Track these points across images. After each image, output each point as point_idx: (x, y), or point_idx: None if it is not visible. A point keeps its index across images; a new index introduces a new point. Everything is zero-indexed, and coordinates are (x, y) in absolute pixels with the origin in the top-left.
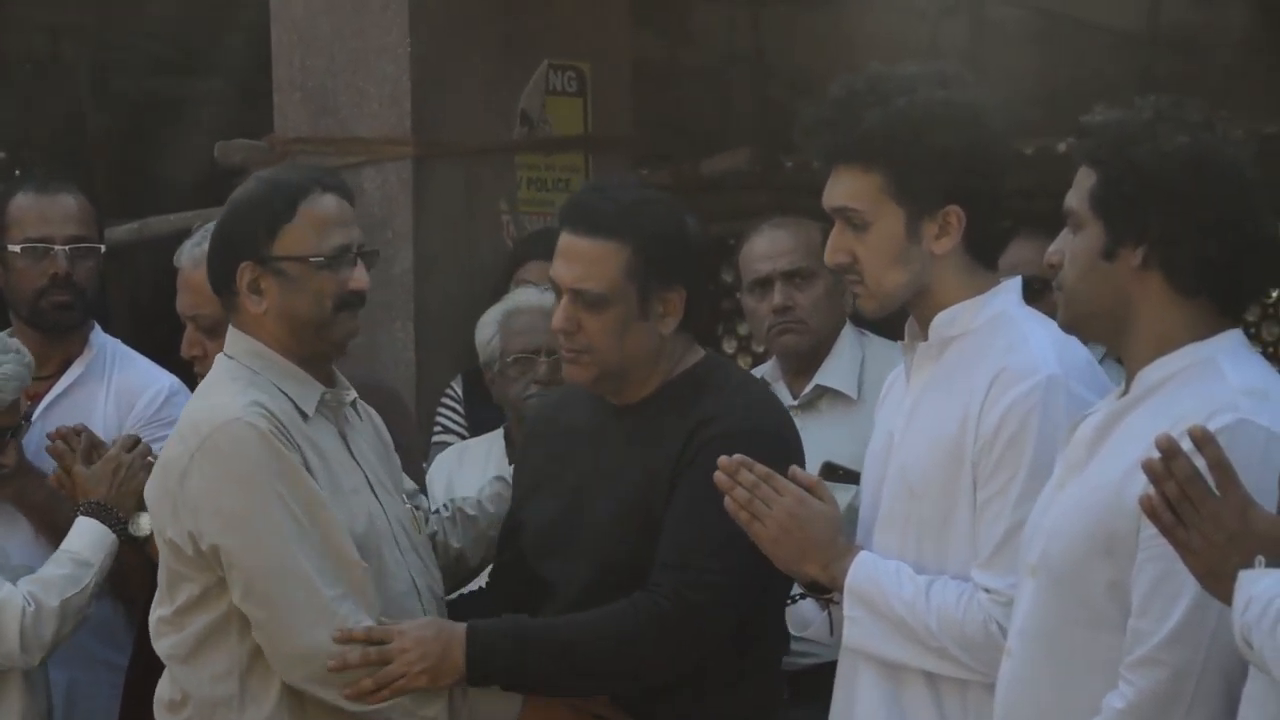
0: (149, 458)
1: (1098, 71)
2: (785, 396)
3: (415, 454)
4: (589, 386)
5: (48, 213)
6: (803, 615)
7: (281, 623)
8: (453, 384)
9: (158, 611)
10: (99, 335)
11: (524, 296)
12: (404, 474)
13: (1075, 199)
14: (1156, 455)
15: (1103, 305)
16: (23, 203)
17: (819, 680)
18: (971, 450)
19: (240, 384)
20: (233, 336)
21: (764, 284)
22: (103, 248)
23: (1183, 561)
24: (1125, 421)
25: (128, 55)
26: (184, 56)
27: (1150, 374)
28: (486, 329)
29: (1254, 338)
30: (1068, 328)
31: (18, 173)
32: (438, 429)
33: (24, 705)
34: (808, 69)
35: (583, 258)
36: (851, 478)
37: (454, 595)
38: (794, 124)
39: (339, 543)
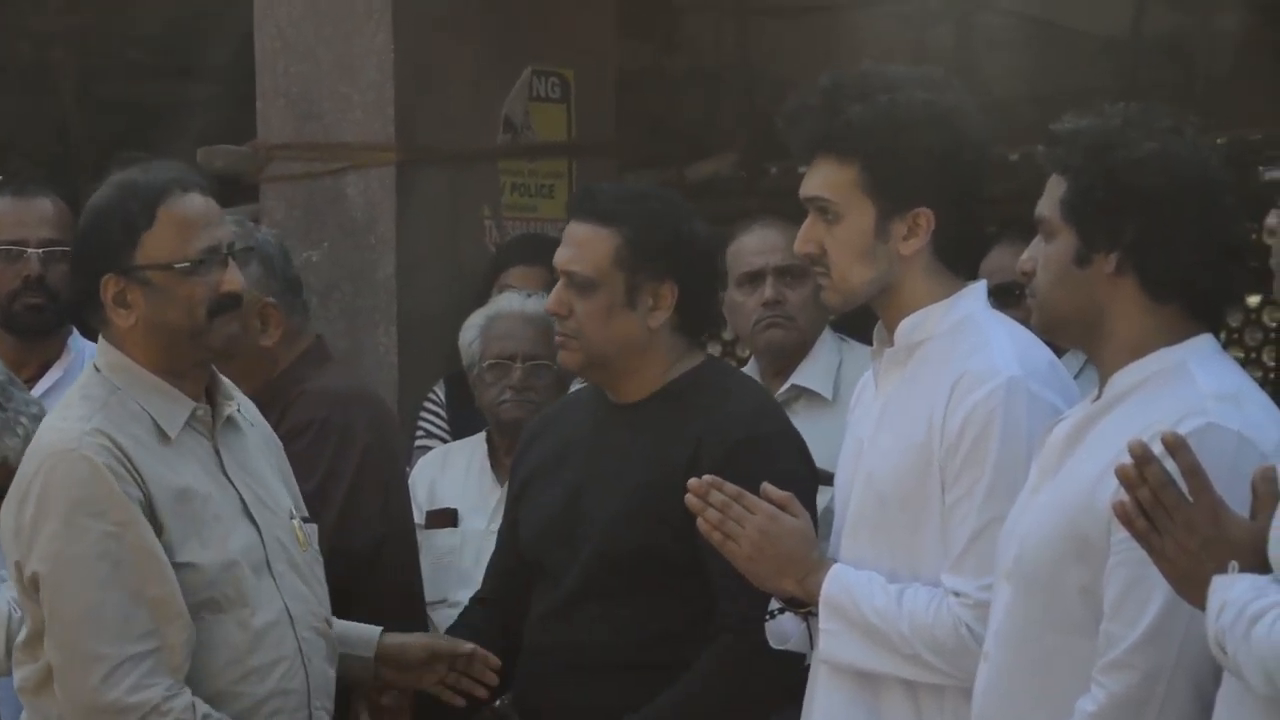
0: None
1: (1084, 77)
2: None
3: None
4: (579, 373)
5: (23, 215)
6: (782, 629)
7: (73, 671)
8: (435, 388)
9: (18, 638)
10: (77, 340)
11: (506, 302)
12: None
13: (1047, 207)
14: (1129, 461)
15: (1076, 311)
16: None
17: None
18: (938, 454)
19: (92, 405)
20: (101, 347)
21: (755, 278)
22: None
23: (1156, 567)
24: (1098, 426)
25: (113, 61)
26: (169, 63)
27: (1122, 379)
28: (469, 332)
29: (1237, 343)
30: (1042, 332)
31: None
32: (420, 433)
33: None
34: (793, 76)
35: (576, 241)
36: (825, 480)
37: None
38: (779, 119)
39: (161, 593)
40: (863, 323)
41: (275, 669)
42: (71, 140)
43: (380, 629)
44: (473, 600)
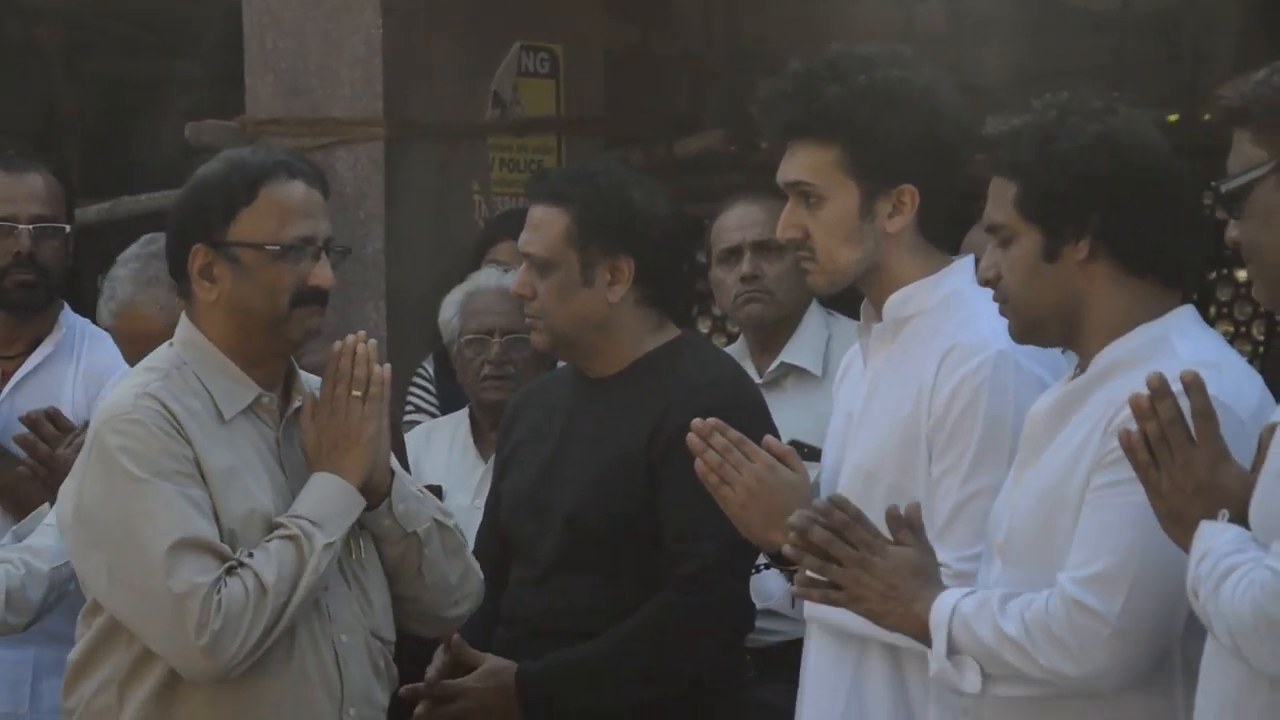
0: None
1: (1073, 56)
2: (751, 374)
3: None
4: (549, 351)
5: (13, 191)
6: (766, 586)
7: (140, 612)
8: (424, 363)
9: (83, 609)
10: (69, 315)
11: (484, 278)
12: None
13: (1000, 213)
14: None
15: (1053, 306)
16: None
17: (787, 657)
18: (925, 427)
19: (152, 375)
20: (181, 323)
21: (734, 253)
22: (68, 228)
23: (1149, 502)
24: (1083, 405)
25: (100, 37)
26: (157, 38)
27: (1105, 356)
28: (448, 309)
29: (1227, 317)
30: (1021, 339)
31: None
32: (409, 408)
33: None
34: (782, 52)
35: (533, 223)
36: (816, 455)
37: None
38: (753, 107)
39: (202, 533)
40: (851, 298)
41: (297, 658)
42: (59, 116)
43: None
44: None
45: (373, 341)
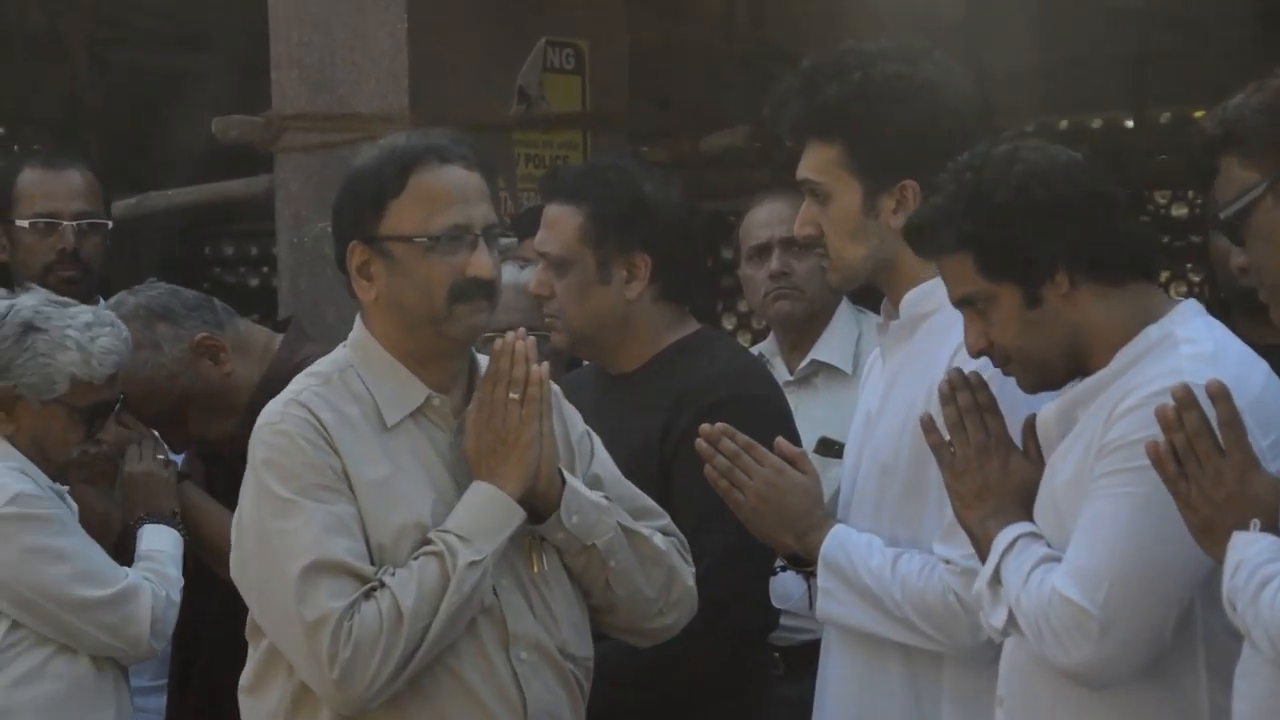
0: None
1: (1095, 47)
2: (782, 372)
3: None
4: (569, 351)
5: (55, 188)
6: (785, 587)
7: (272, 592)
8: None
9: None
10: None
11: (503, 274)
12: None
13: (968, 285)
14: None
15: (1056, 348)
16: (30, 178)
17: (810, 656)
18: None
19: (310, 380)
20: (355, 323)
21: (763, 251)
22: (110, 223)
23: (1180, 514)
24: (1090, 408)
25: (126, 31)
26: (183, 32)
27: (1114, 364)
28: None
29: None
30: (1035, 390)
31: (16, 148)
32: None
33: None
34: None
35: (548, 221)
36: (842, 452)
37: None
38: (765, 107)
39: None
40: (881, 295)
41: (467, 678)
42: (83, 110)
43: None
44: None
45: (531, 339)
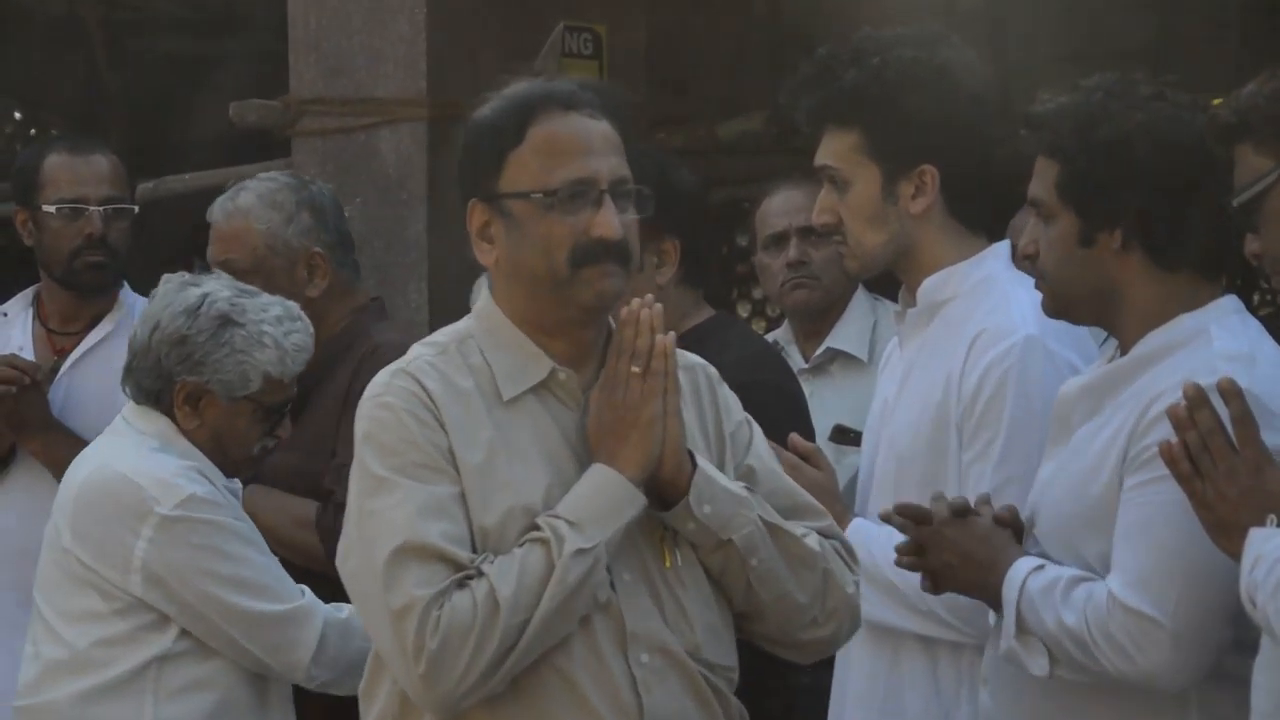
0: None
1: (1117, 33)
2: (797, 359)
3: None
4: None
5: (82, 173)
6: None
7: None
8: None
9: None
10: (128, 293)
11: None
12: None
13: (1041, 190)
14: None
15: (1087, 290)
16: (56, 163)
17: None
18: (955, 413)
19: (425, 349)
20: (482, 287)
21: (779, 239)
22: (136, 208)
23: (1195, 513)
24: (1118, 394)
25: (144, 15)
26: (200, 16)
27: (1144, 345)
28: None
29: (1270, 303)
30: (1054, 315)
31: (33, 132)
32: None
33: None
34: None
35: None
36: (860, 441)
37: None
38: (783, 97)
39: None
40: (897, 283)
41: (576, 679)
42: (101, 94)
43: None
44: None
45: (659, 306)
